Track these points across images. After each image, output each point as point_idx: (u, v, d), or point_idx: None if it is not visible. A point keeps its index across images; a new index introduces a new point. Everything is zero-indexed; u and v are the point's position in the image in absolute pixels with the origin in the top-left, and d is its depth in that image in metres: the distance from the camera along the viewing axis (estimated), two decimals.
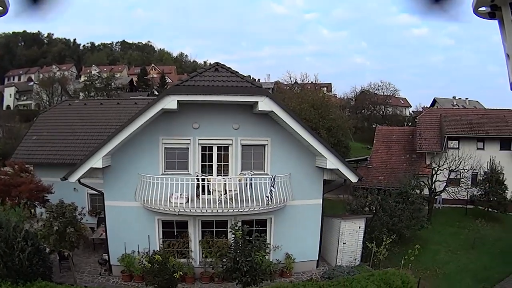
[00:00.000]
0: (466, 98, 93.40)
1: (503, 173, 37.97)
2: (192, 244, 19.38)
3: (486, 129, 42.49)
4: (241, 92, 18.10)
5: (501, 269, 25.29)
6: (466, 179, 38.59)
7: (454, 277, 24.58)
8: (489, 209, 36.47)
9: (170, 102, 17.23)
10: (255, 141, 20.05)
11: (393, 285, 15.56)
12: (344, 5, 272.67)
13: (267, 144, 20.07)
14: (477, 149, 41.68)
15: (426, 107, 71.10)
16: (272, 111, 18.33)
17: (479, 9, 5.99)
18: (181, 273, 17.00)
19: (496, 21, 6.11)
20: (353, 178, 20.95)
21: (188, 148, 19.32)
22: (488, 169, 37.99)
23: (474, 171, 38.10)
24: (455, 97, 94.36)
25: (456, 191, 36.54)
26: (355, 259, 22.49)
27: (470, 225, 30.35)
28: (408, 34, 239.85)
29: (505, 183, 37.08)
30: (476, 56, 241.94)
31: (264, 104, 18.09)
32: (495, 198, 35.93)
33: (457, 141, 42.31)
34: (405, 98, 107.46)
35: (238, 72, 19.25)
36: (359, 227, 22.74)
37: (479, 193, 37.47)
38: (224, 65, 19.47)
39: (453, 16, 5.31)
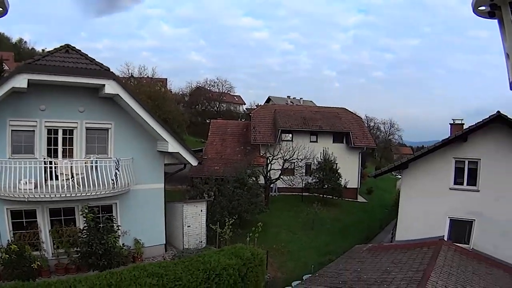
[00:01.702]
0: (300, 98, 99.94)
1: (336, 163, 43.96)
2: (42, 235, 19.38)
3: (320, 124, 48.53)
4: (91, 74, 19.31)
5: (341, 244, 30.04)
6: (300, 168, 43.61)
7: (299, 253, 28.63)
8: (325, 195, 42.32)
9: (21, 81, 17.63)
10: (99, 125, 21.38)
11: (243, 257, 17.58)
12: (189, 4, 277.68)
13: (110, 128, 21.65)
14: (311, 141, 47.50)
15: (260, 105, 75.16)
16: (118, 94, 20.12)
17: (479, 8, 6.68)
18: (38, 263, 17.67)
19: (496, 21, 6.89)
20: (193, 161, 23.71)
21: (34, 130, 19.69)
22: (321, 159, 43.51)
23: (308, 160, 43.52)
24: (289, 96, 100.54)
25: (291, 179, 41.54)
26: (201, 241, 25.13)
27: (307, 209, 35.17)
28: (248, 36, 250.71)
29: (339, 171, 43.17)
30: (313, 61, 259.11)
31: (111, 87, 19.71)
32: (330, 185, 41.75)
33: (290, 134, 47.53)
34: (239, 96, 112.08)
35: (87, 54, 20.49)
36: (201, 210, 25.50)
37: (313, 181, 43.00)
38: (75, 47, 20.58)
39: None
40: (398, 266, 18.78)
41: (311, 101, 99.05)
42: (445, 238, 22.70)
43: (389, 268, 18.79)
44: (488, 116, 21.93)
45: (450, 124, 26.34)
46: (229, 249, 18.42)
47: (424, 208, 23.69)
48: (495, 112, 21.67)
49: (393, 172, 62.13)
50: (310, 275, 21.75)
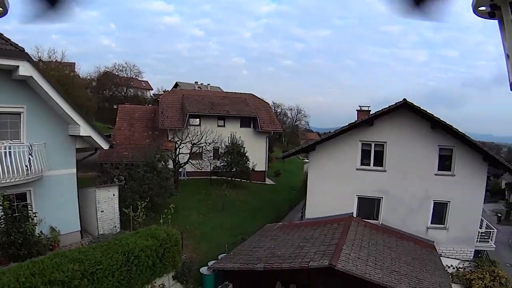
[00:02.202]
0: (208, 84, 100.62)
1: (244, 147, 45.29)
2: None
3: (227, 109, 49.79)
4: (7, 54, 18.54)
5: (252, 224, 31.43)
6: (208, 152, 44.76)
7: (211, 234, 29.52)
8: (233, 178, 43.74)
9: None
10: (12, 109, 20.59)
11: (159, 238, 18.51)
12: None
13: (23, 112, 20.95)
14: (218, 126, 48.54)
15: (168, 90, 75.17)
16: (31, 77, 19.62)
17: (479, 8, 6.36)
18: None
19: (496, 21, 6.45)
20: (105, 145, 24.04)
21: None
22: (229, 143, 44.61)
23: (216, 144, 44.45)
24: (197, 82, 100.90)
25: (200, 163, 42.64)
26: (115, 226, 25.48)
27: (216, 192, 36.84)
28: (159, 21, 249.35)
29: (246, 155, 44.61)
30: (223, 47, 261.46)
31: (25, 69, 19.21)
32: (238, 168, 43.26)
33: (198, 119, 48.27)
34: (147, 81, 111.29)
35: (2, 34, 19.79)
36: (114, 195, 25.85)
37: (222, 164, 44.18)
38: None
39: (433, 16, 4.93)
40: (310, 242, 20.00)
41: (218, 87, 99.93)
42: (354, 215, 24.19)
43: (302, 243, 19.99)
44: (394, 103, 23.45)
45: (357, 110, 27.91)
46: (144, 231, 19.09)
47: (332, 187, 25.23)
48: (402, 99, 23.18)
49: (300, 156, 64.17)
50: (225, 254, 22.66)
